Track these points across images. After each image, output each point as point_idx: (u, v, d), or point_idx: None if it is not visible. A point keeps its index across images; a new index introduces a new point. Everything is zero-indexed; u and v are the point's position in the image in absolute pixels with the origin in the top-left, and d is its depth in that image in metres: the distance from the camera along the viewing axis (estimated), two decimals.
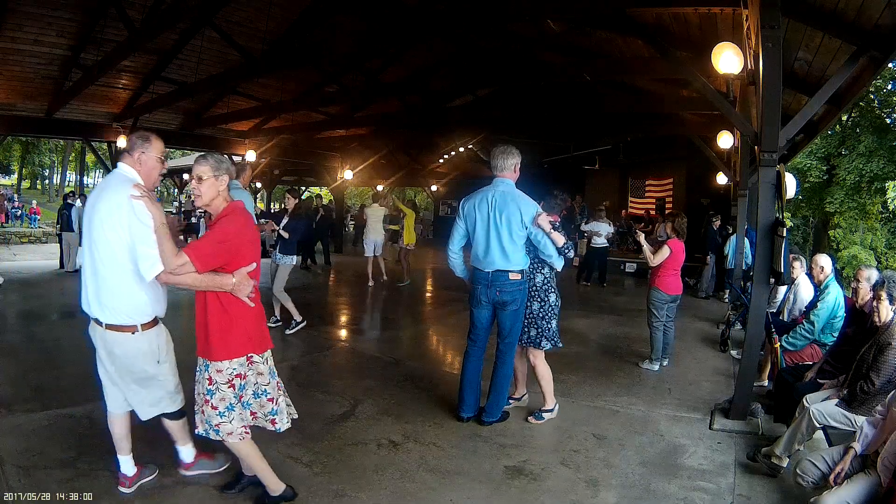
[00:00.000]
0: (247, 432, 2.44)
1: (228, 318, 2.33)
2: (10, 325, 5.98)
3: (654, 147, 13.03)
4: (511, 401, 3.90)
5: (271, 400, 2.46)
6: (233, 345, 2.34)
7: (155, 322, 2.51)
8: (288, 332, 5.75)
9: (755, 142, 3.78)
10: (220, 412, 2.36)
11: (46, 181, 38.37)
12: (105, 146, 11.57)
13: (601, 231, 9.66)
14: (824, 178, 18.68)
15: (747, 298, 5.31)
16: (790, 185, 4.12)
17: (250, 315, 2.38)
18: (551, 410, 3.77)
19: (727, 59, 4.35)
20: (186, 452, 2.78)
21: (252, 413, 2.45)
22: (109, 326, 2.40)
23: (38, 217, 22.06)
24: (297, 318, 5.83)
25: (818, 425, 2.92)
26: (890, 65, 12.86)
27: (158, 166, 2.53)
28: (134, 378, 2.50)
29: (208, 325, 2.33)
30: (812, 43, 4.86)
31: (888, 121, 17.62)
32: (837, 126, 17.51)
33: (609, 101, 9.53)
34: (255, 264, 2.37)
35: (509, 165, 3.54)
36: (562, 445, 3.37)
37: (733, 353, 5.36)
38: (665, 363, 5.02)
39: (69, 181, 35.34)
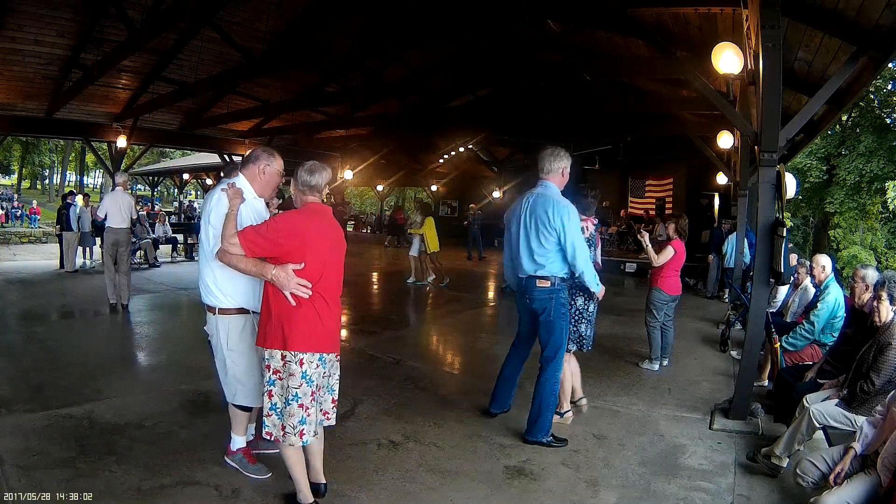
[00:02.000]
0: (277, 438, 2.44)
1: (268, 308, 2.42)
2: (10, 325, 5.97)
3: (654, 147, 13.04)
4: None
5: (301, 406, 2.39)
6: (266, 333, 2.43)
7: (238, 311, 2.64)
8: None
9: (755, 142, 3.78)
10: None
11: (46, 181, 38.38)
12: (105, 146, 11.58)
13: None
14: (824, 178, 18.69)
15: (747, 298, 5.30)
16: (790, 185, 4.13)
17: (293, 313, 2.37)
18: (561, 415, 3.64)
19: (727, 59, 4.35)
20: (235, 441, 2.86)
21: (282, 426, 2.41)
22: (206, 305, 2.68)
23: (38, 217, 22.06)
24: None
25: (818, 425, 2.92)
26: (890, 65, 12.86)
27: (278, 179, 2.77)
28: (218, 356, 2.72)
29: (261, 312, 2.49)
30: (812, 43, 4.86)
31: (888, 121, 17.62)
32: (837, 126, 17.51)
33: (609, 101, 9.54)
34: (303, 264, 2.36)
35: (556, 168, 3.28)
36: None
37: (733, 353, 5.36)
38: (665, 363, 5.01)
39: (69, 181, 35.36)
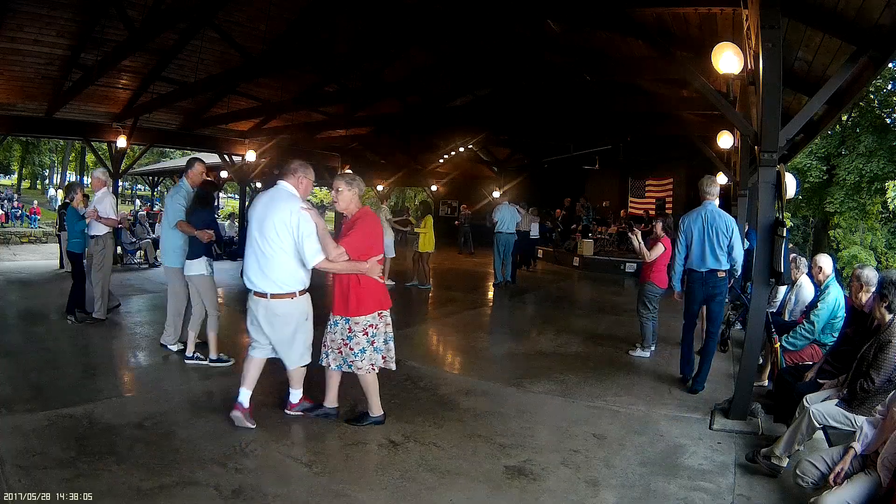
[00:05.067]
0: (373, 368, 3.41)
1: (363, 287, 3.31)
2: (10, 325, 5.97)
3: (654, 147, 13.02)
4: None
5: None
6: (366, 305, 3.32)
7: (305, 291, 3.39)
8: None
9: (755, 142, 3.78)
10: (354, 353, 3.34)
11: (46, 181, 38.35)
12: (105, 146, 11.57)
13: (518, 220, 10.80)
14: (824, 178, 18.65)
15: (747, 298, 5.34)
16: (790, 185, 4.13)
17: (379, 285, 3.40)
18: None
19: (727, 59, 4.35)
20: (295, 395, 3.57)
21: (382, 357, 3.44)
22: (274, 296, 3.28)
23: (38, 217, 22.01)
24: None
25: (818, 425, 2.92)
26: (890, 65, 12.86)
27: (311, 187, 3.53)
28: (290, 332, 3.35)
29: (349, 293, 3.32)
30: (812, 43, 4.86)
31: (888, 121, 17.59)
32: (837, 126, 17.49)
33: (609, 101, 9.53)
34: (382, 255, 3.38)
35: (715, 192, 4.54)
36: (562, 445, 3.37)
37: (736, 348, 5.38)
38: (653, 349, 5.38)
39: (69, 181, 35.30)
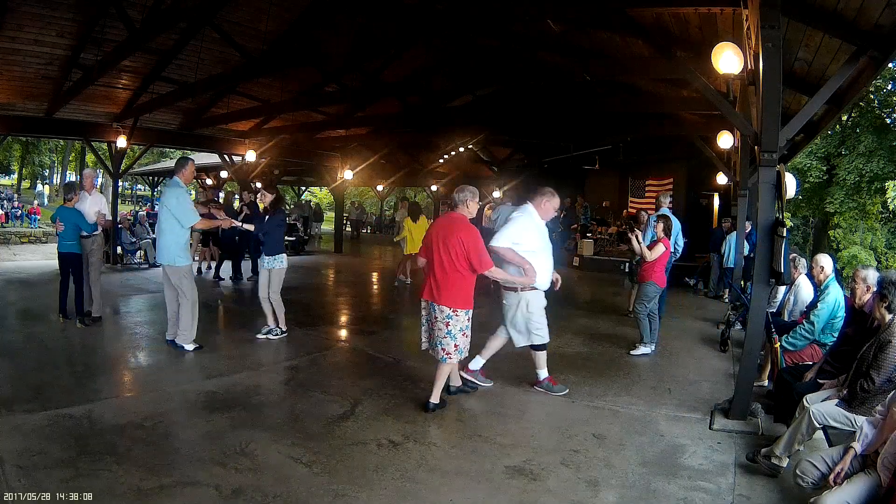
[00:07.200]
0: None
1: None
2: (10, 325, 5.97)
3: (654, 147, 13.00)
4: None
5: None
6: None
7: (531, 289, 4.03)
8: (271, 337, 5.54)
9: (755, 142, 3.77)
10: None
11: (46, 181, 38.33)
12: (105, 146, 11.56)
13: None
14: (824, 178, 18.65)
15: (747, 298, 5.34)
16: (790, 185, 4.12)
17: (425, 279, 3.89)
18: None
19: (727, 59, 4.34)
20: (540, 373, 4.27)
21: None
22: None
23: (38, 217, 22.00)
24: (283, 326, 5.66)
25: (818, 425, 2.92)
26: (890, 65, 12.85)
27: (553, 212, 4.21)
28: (510, 318, 4.13)
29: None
30: (812, 43, 4.86)
31: (888, 121, 17.60)
32: (837, 126, 17.49)
33: (609, 101, 9.52)
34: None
35: (667, 202, 6.41)
36: (562, 445, 3.37)
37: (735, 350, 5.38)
38: (652, 347, 5.42)
39: (67, 181, 35.26)
